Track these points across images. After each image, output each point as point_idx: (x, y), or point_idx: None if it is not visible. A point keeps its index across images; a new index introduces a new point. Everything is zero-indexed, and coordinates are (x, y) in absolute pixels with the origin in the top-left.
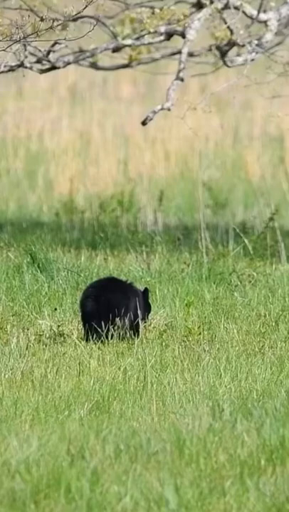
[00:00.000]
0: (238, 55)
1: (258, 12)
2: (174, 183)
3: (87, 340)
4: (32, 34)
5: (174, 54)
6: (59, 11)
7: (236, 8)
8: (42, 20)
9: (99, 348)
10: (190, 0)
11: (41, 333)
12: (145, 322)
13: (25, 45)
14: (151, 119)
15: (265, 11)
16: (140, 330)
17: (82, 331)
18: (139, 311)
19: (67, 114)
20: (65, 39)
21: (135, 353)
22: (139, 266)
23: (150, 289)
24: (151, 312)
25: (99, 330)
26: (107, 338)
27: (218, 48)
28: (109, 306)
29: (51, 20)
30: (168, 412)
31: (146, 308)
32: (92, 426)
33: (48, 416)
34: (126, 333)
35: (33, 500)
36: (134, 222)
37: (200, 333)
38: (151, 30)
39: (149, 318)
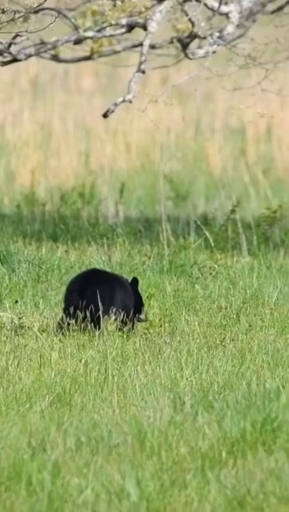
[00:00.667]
0: (200, 47)
1: (220, 4)
2: (136, 175)
3: (57, 332)
4: None
5: (135, 46)
6: (20, 2)
7: (197, 0)
8: (3, 12)
9: (60, 341)
10: None
11: (2, 326)
12: (140, 315)
13: None
14: (112, 112)
15: (226, 3)
16: (134, 322)
17: (62, 322)
18: (128, 303)
19: (28, 106)
20: (26, 31)
21: (96, 346)
22: (101, 258)
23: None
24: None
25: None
26: (93, 331)
27: (179, 40)
28: (94, 300)
29: (12, 12)
30: (129, 404)
31: (137, 299)
32: (53, 418)
33: (9, 408)
34: (120, 326)
35: None
36: (96, 214)
37: (161, 326)
38: (113, 22)
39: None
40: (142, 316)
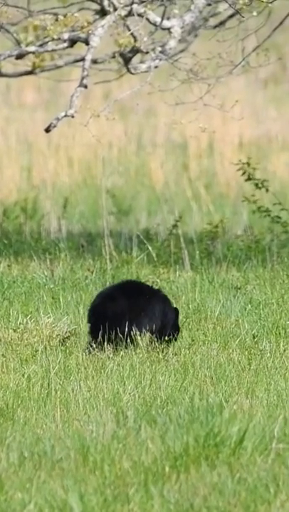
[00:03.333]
0: (142, 62)
1: (162, 19)
2: (78, 189)
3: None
4: None
5: (77, 61)
6: None
7: (140, 15)
8: None
9: (3, 355)
10: (94, 7)
11: None
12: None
13: None
14: (54, 126)
15: (168, 18)
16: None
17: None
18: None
19: None
20: None
21: (39, 360)
22: (43, 273)
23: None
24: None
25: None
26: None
27: (121, 54)
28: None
29: None
30: (72, 419)
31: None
32: None
33: None
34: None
35: None
36: (38, 229)
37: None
38: (55, 37)
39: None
40: (174, 334)
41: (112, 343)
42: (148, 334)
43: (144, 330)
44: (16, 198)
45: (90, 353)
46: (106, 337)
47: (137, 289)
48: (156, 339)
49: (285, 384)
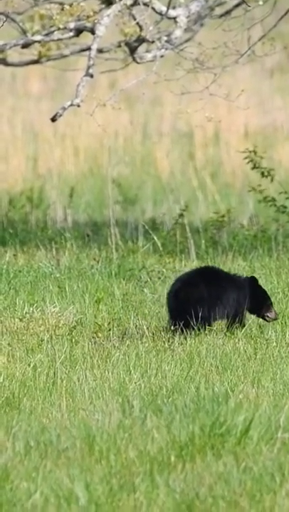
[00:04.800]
0: (148, 51)
1: (168, 8)
2: (84, 179)
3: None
4: None
5: (83, 50)
6: None
7: (145, 4)
8: None
9: (9, 344)
10: None
11: None
12: (267, 313)
13: None
14: (60, 116)
15: (174, 8)
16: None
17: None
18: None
19: None
20: None
21: (45, 350)
22: (49, 262)
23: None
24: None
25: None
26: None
27: (127, 44)
28: (191, 301)
29: None
30: (78, 408)
31: (258, 297)
32: (2, 422)
33: None
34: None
35: None
36: (44, 218)
37: (110, 330)
38: (61, 26)
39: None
40: (269, 315)
41: (189, 327)
42: (226, 319)
43: (219, 316)
44: (22, 187)
45: (173, 335)
46: (184, 321)
47: (216, 276)
48: (229, 325)
49: None
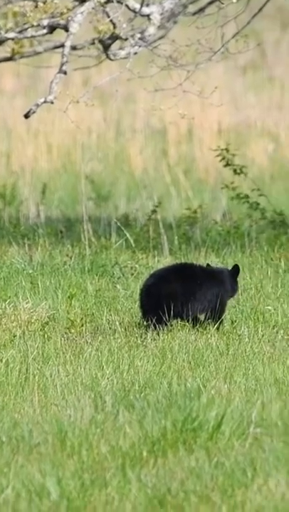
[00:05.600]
0: (121, 48)
1: (141, 6)
2: (57, 175)
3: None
4: None
5: (57, 47)
6: None
7: (119, 1)
8: None
9: None
10: None
11: None
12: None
13: None
14: (34, 112)
15: (147, 5)
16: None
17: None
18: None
19: None
20: None
21: (17, 345)
22: (22, 258)
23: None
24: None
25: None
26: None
27: (101, 41)
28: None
29: None
30: (50, 403)
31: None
32: None
33: None
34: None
35: None
36: (17, 215)
37: (82, 325)
38: (34, 23)
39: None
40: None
41: (161, 323)
42: (200, 315)
43: (193, 312)
44: None
45: (145, 331)
46: (156, 317)
47: (192, 272)
48: (206, 320)
49: (263, 369)
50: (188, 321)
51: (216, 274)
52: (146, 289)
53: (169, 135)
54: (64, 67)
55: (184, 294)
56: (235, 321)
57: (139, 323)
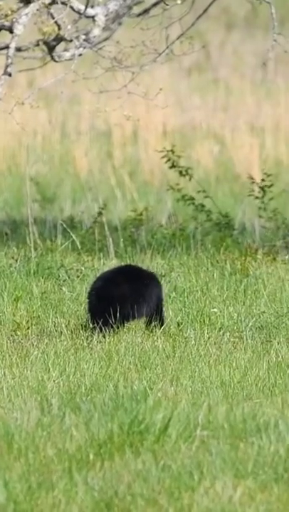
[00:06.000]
0: (66, 50)
1: (86, 7)
2: (2, 177)
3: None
4: None
5: (1, 49)
6: None
7: (64, 3)
8: None
9: None
10: None
11: None
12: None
13: None
14: None
15: (92, 6)
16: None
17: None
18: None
19: None
20: None
21: None
22: None
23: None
24: None
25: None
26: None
27: (45, 43)
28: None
29: None
30: None
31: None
32: None
33: None
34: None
35: None
36: None
37: (28, 328)
38: None
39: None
40: None
41: (108, 325)
42: (146, 317)
43: (142, 314)
44: None
45: (92, 333)
46: (103, 319)
47: (137, 274)
48: (151, 322)
49: (209, 371)
50: (135, 323)
51: (155, 276)
52: (96, 292)
53: (114, 137)
54: (9, 69)
55: (132, 296)
56: (182, 324)
57: (85, 326)
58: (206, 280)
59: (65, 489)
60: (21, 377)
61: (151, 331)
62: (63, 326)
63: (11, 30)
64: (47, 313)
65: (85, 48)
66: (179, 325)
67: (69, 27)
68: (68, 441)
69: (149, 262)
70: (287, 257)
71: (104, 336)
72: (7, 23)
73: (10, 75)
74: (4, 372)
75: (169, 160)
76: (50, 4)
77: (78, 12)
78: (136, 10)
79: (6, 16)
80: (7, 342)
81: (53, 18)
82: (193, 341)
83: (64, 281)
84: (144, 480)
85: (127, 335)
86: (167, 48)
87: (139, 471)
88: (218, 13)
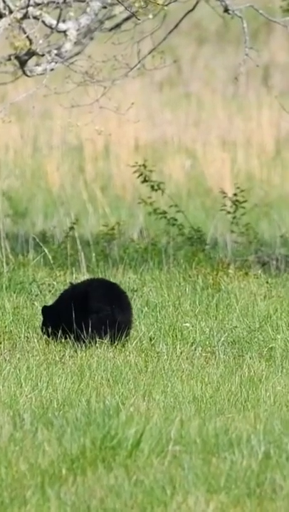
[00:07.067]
0: (38, 64)
1: (58, 22)
2: None
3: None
4: None
5: None
6: None
7: (36, 17)
8: None
9: None
10: None
11: None
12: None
13: None
14: None
15: (64, 21)
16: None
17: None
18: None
19: None
20: None
21: None
22: None
23: None
24: None
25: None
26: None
27: (17, 57)
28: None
29: None
30: None
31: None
32: None
33: None
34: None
35: None
36: None
37: (0, 343)
38: None
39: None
40: None
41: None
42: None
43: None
44: None
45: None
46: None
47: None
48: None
49: (182, 386)
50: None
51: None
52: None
53: (85, 151)
54: None
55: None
56: (154, 338)
57: (56, 341)
58: (178, 295)
59: (38, 504)
60: None
61: (123, 346)
62: (35, 340)
63: None
64: (19, 328)
65: (56, 62)
66: (151, 340)
67: (41, 41)
68: (41, 457)
69: (121, 277)
70: (259, 271)
71: (75, 351)
72: None
73: None
74: None
75: (141, 175)
76: (22, 19)
77: (50, 27)
78: (108, 24)
79: None
80: None
81: (25, 32)
82: (165, 356)
83: (36, 295)
84: (116, 495)
85: (98, 350)
86: (139, 62)
87: (111, 486)
88: (190, 27)
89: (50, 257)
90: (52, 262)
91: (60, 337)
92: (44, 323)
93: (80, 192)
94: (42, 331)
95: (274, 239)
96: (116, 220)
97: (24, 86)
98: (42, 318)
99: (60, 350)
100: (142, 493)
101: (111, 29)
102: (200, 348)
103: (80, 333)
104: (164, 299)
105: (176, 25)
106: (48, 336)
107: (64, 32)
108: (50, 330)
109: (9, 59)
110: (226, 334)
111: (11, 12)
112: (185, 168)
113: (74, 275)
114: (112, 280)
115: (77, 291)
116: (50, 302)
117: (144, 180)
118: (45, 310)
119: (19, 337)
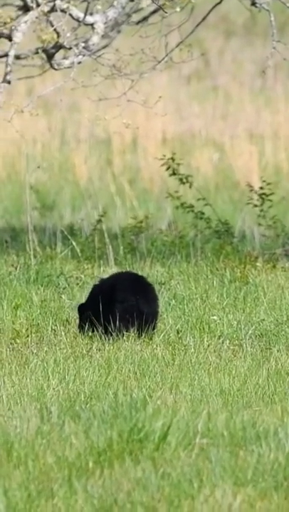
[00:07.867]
0: (65, 57)
1: (85, 15)
2: (2, 185)
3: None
4: None
5: (0, 57)
6: None
7: (63, 10)
8: None
9: None
10: (16, 3)
11: None
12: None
13: None
14: None
15: (91, 14)
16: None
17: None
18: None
19: None
20: None
21: None
22: None
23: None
24: None
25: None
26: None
27: (44, 50)
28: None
29: None
30: None
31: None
32: None
33: None
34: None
35: None
36: None
37: (28, 336)
38: None
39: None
40: None
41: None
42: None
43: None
44: None
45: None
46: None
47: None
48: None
49: (209, 379)
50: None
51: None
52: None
53: (113, 144)
54: (8, 77)
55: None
56: (181, 331)
57: (84, 334)
58: (206, 288)
59: (65, 497)
60: (21, 385)
61: (150, 339)
62: (63, 333)
63: (10, 38)
64: (46, 321)
65: (84, 55)
66: (178, 333)
67: (68, 35)
68: (68, 449)
69: (149, 270)
70: (286, 264)
71: (103, 344)
72: (6, 31)
73: (9, 82)
74: (4, 381)
75: (169, 168)
76: (50, 12)
77: (77, 20)
78: (135, 18)
79: (5, 23)
80: (6, 350)
81: (52, 25)
82: (192, 349)
83: (64, 288)
84: (143, 488)
85: (126, 343)
86: (166, 55)
87: (138, 479)
88: (217, 20)
89: (78, 250)
90: (80, 254)
91: (87, 330)
92: (81, 321)
93: (108, 185)
94: (80, 329)
95: None
96: (144, 213)
97: (52, 79)
98: (78, 317)
99: (87, 343)
100: (169, 486)
101: (138, 22)
102: (227, 341)
103: (108, 325)
104: (191, 292)
105: (204, 18)
106: (85, 334)
107: (91, 25)
108: (87, 327)
109: (37, 52)
110: (254, 327)
111: (38, 5)
112: (213, 162)
113: (102, 268)
114: (139, 273)
115: (105, 285)
116: (77, 295)
117: (173, 173)
118: (81, 308)
119: (47, 330)
